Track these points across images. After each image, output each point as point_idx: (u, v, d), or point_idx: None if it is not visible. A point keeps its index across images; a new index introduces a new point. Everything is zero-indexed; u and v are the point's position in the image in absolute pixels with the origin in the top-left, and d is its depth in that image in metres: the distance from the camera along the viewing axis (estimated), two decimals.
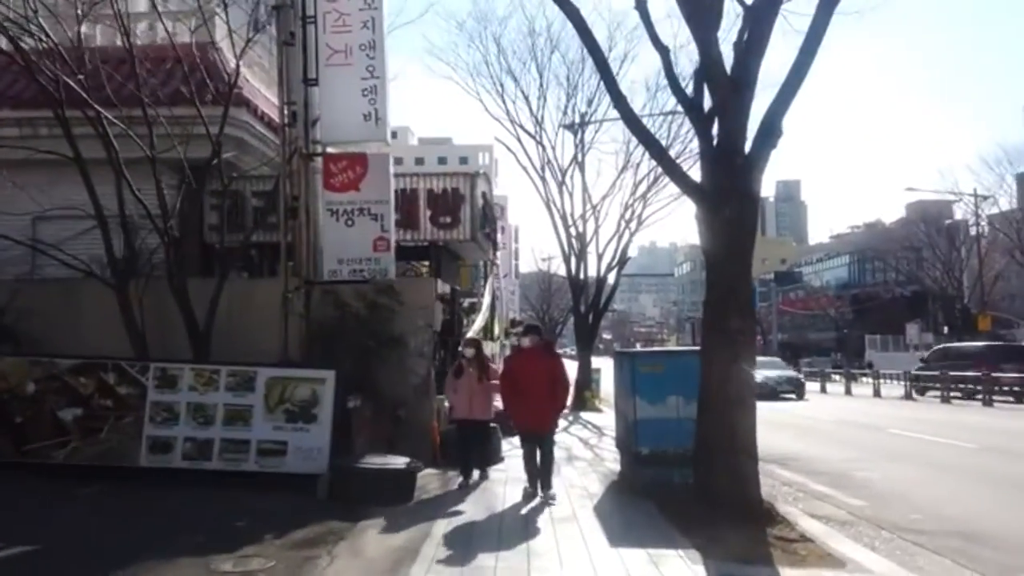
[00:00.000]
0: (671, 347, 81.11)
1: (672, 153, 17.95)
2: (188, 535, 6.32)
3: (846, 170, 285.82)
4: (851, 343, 50.30)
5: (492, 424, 9.65)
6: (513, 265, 61.41)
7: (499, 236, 22.40)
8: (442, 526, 6.73)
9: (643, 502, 7.69)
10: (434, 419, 10.18)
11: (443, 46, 72.28)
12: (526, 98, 23.16)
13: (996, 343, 30.77)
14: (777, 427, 14.95)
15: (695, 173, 7.99)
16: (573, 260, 23.92)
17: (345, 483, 7.57)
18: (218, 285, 9.83)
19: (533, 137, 23.32)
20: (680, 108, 18.57)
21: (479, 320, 15.94)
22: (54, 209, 10.63)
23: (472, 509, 7.54)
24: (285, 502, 7.37)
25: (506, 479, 8.98)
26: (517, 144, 23.48)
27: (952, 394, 24.53)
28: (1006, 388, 23.48)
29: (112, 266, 9.92)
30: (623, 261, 24.78)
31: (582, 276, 24.12)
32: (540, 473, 7.96)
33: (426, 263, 14.20)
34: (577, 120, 23.42)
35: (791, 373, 29.17)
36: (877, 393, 28.92)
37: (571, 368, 26.32)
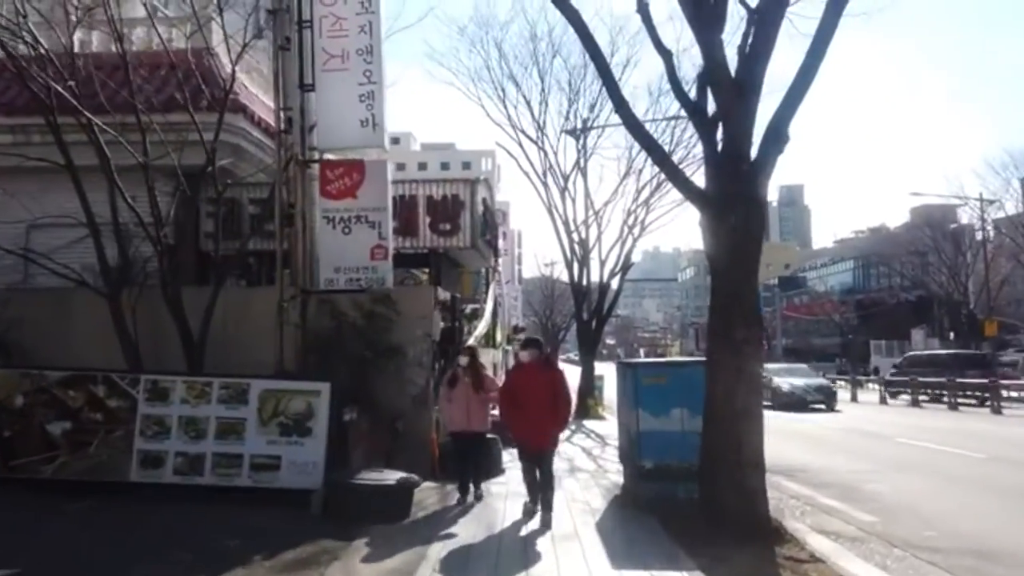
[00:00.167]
0: (675, 352, 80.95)
1: (675, 159, 17.73)
2: (178, 554, 6.12)
3: (850, 174, 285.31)
4: (856, 349, 49.91)
5: (491, 435, 9.43)
6: (516, 270, 61.19)
7: (501, 242, 22.21)
8: (438, 547, 6.49)
9: (647, 518, 7.47)
10: (433, 431, 9.97)
11: (444, 51, 72.39)
12: (528, 103, 23.02)
13: (962, 351, 33.31)
14: (783, 436, 14.69)
15: (698, 178, 7.81)
16: (575, 266, 23.72)
17: (340, 499, 7.36)
18: (213, 294, 9.65)
19: (535, 142, 23.18)
20: (683, 113, 18.43)
21: (480, 327, 15.74)
22: (46, 217, 10.46)
23: (471, 527, 7.30)
24: (278, 519, 7.16)
25: (506, 493, 8.76)
26: (519, 149, 23.34)
27: (920, 398, 26.90)
28: (968, 393, 25.34)
29: (105, 275, 9.74)
30: (626, 267, 24.57)
31: (585, 282, 23.92)
32: (539, 492, 7.67)
33: (426, 270, 14.02)
34: (579, 125, 23.24)
35: (821, 381, 27.66)
36: (883, 400, 28.65)
37: (574, 375, 26.12)
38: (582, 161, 23.32)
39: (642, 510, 7.78)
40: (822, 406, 24.96)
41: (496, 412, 8.59)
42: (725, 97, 7.10)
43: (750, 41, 7.16)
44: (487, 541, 6.80)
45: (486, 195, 13.51)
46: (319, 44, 9.69)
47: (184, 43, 10.96)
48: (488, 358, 16.05)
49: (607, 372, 24.57)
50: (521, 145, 23.24)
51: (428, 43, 73.99)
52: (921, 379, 27.25)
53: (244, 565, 5.85)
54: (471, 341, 13.41)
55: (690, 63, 22.96)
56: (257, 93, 12.71)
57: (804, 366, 30.83)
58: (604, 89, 17.69)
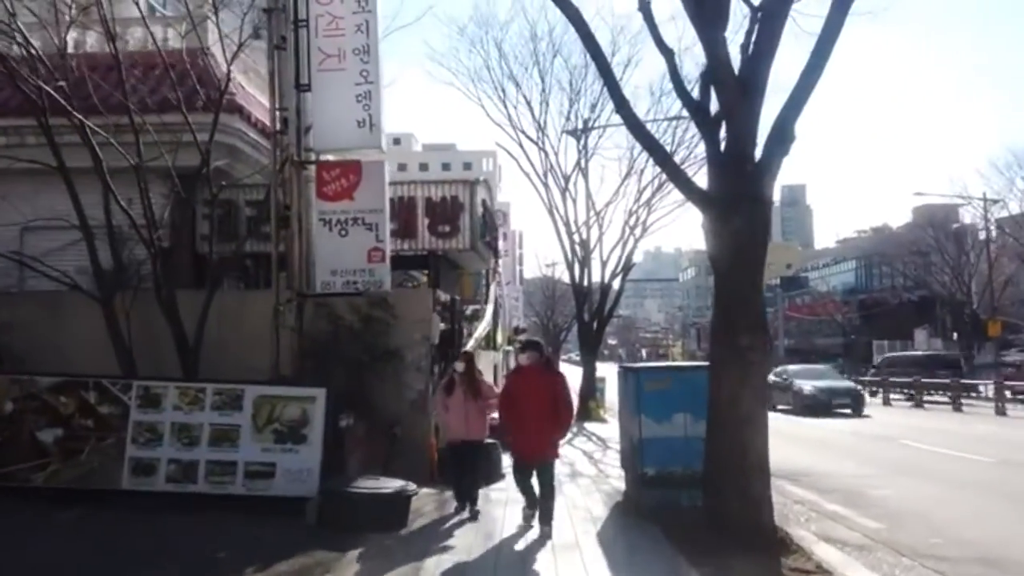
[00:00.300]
0: (677, 352, 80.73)
1: (677, 159, 17.54)
2: (168, 565, 5.99)
3: (852, 174, 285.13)
4: (859, 349, 49.71)
5: (491, 440, 9.25)
6: (517, 271, 61.01)
7: (501, 243, 22.08)
8: (435, 560, 6.29)
9: (649, 526, 7.30)
10: (432, 436, 9.81)
11: (444, 51, 72.07)
12: (528, 103, 22.86)
13: (936, 353, 35.23)
14: (787, 439, 14.53)
15: (700, 179, 7.65)
16: (576, 267, 23.58)
17: (335, 508, 7.19)
18: (207, 298, 9.50)
19: (535, 143, 23.03)
20: (685, 113, 18.27)
21: (481, 328, 15.60)
22: (38, 220, 10.32)
23: (469, 537, 7.12)
24: (272, 528, 7.01)
25: (506, 499, 8.59)
26: (519, 150, 23.19)
27: (893, 396, 28.68)
28: (938, 391, 27.03)
29: (98, 278, 9.59)
30: (628, 268, 24.42)
31: (586, 283, 23.77)
32: (540, 501, 7.35)
33: (426, 272, 13.87)
34: (580, 126, 23.09)
35: (847, 383, 26.01)
36: (887, 402, 28.50)
37: (575, 376, 25.96)
38: (583, 161, 23.19)
39: (644, 518, 7.62)
40: (848, 410, 23.46)
41: (495, 417, 8.37)
42: (728, 96, 6.94)
43: (754, 39, 7.01)
44: (486, 554, 6.61)
45: (486, 196, 13.38)
46: (315, 43, 9.54)
47: (180, 43, 10.82)
48: (488, 360, 15.94)
49: (609, 373, 24.43)
50: (522, 146, 23.12)
51: (428, 43, 73.64)
52: (892, 379, 29.08)
53: None
54: (471, 343, 13.29)
55: (692, 63, 22.83)
56: (254, 94, 12.57)
57: (827, 367, 29.10)
58: (605, 89, 17.56)
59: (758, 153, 6.87)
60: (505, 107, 22.75)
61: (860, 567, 6.28)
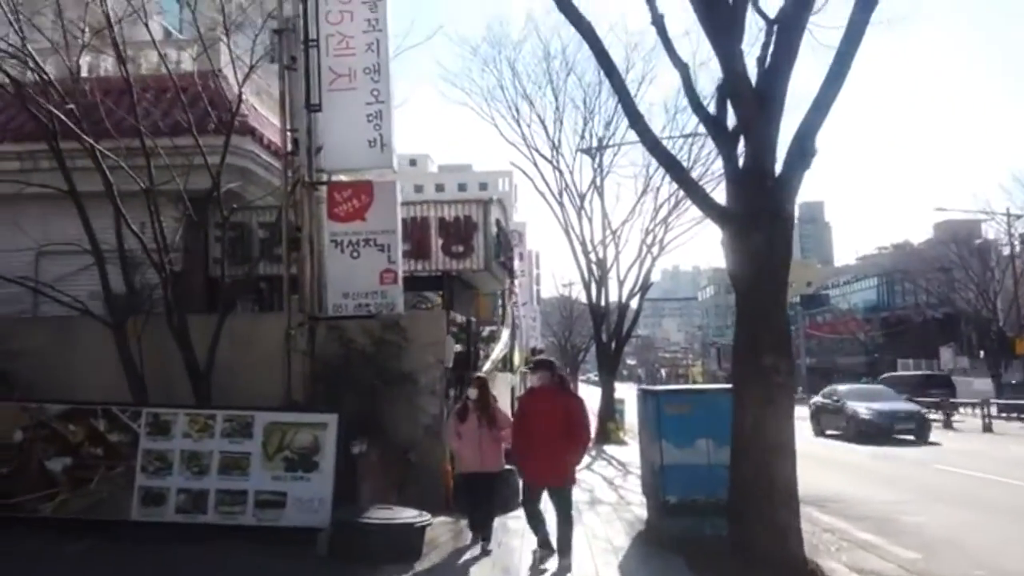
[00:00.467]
0: (696, 372, 79.87)
1: (692, 176, 17.32)
2: None
3: (871, 191, 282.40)
4: (883, 368, 48.78)
5: (508, 467, 8.94)
6: (534, 291, 60.72)
7: (516, 263, 21.89)
8: None
9: (672, 557, 7.02)
10: (447, 461, 9.57)
11: (457, 71, 72.11)
12: (542, 122, 22.75)
13: (932, 373, 36.55)
14: (811, 462, 14.10)
15: (717, 196, 7.42)
16: (593, 287, 23.33)
17: (347, 539, 6.96)
18: (219, 322, 9.38)
19: (550, 162, 22.89)
20: (701, 129, 18.04)
21: (497, 350, 15.36)
22: (51, 244, 10.29)
23: (485, 570, 6.86)
24: (282, 559, 6.82)
25: (523, 529, 8.24)
26: (534, 169, 23.06)
27: None
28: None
29: (109, 303, 9.50)
30: (645, 287, 24.12)
31: (603, 302, 23.50)
32: (557, 535, 6.90)
33: (440, 293, 13.69)
34: (595, 144, 22.94)
35: (910, 406, 22.80)
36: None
37: (594, 396, 25.47)
38: (598, 180, 23.01)
39: (667, 548, 7.32)
40: (910, 435, 20.66)
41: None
42: (746, 109, 6.73)
43: (771, 52, 6.81)
44: None
45: (500, 216, 13.19)
46: (326, 63, 9.47)
47: (193, 65, 10.82)
48: (505, 382, 15.68)
49: (628, 394, 24.02)
50: (536, 165, 22.99)
51: (440, 63, 74.21)
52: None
53: None
54: (488, 366, 13.05)
55: (706, 79, 22.58)
56: (267, 115, 12.54)
57: (885, 388, 25.69)
58: (619, 106, 17.41)
59: (777, 168, 6.66)
60: (519, 126, 22.67)
61: None
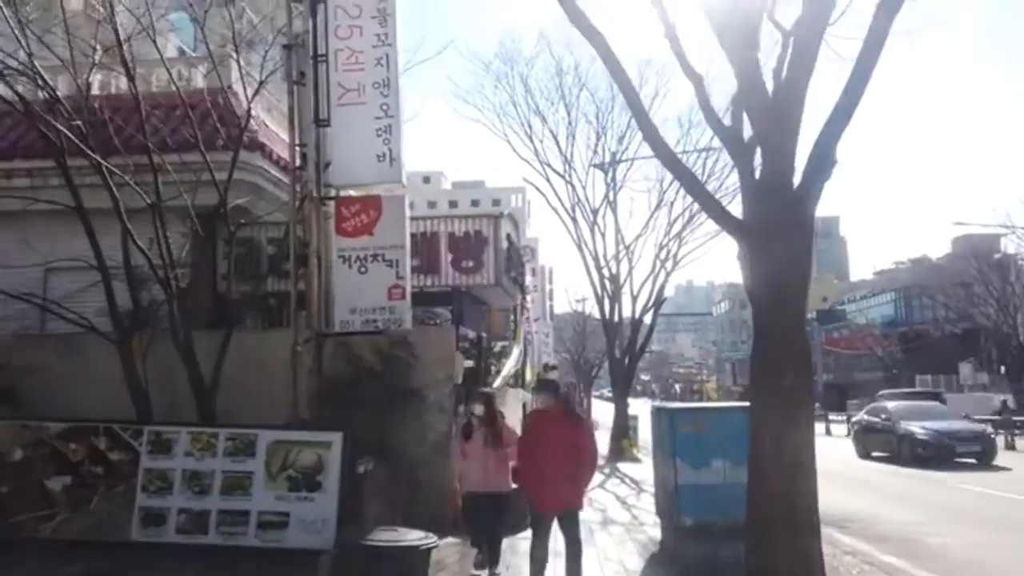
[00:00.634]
0: (711, 387, 79.13)
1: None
2: None
3: (887, 205, 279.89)
4: (901, 383, 48.10)
5: (516, 487, 8.69)
6: (547, 307, 60.50)
7: (528, 279, 21.72)
8: None
9: None
10: (455, 480, 9.35)
11: (469, 88, 72.35)
12: (555, 137, 22.72)
13: (924, 391, 34.69)
14: (826, 479, 13.74)
15: (732, 210, 7.22)
16: (606, 302, 23.13)
17: (351, 561, 6.75)
18: (225, 339, 9.26)
19: (562, 177, 22.82)
20: (715, 143, 17.87)
21: (508, 366, 15.16)
22: (58, 260, 10.24)
23: None
24: None
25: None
26: (547, 185, 22.97)
27: None
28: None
29: (114, 320, 9.41)
30: (659, 302, 23.89)
31: (616, 318, 23.28)
32: (566, 563, 6.48)
33: (450, 308, 13.53)
34: (608, 159, 22.82)
35: (974, 425, 20.62)
36: None
37: (607, 413, 25.08)
38: (611, 195, 22.91)
39: (682, 572, 7.07)
40: (973, 458, 18.56)
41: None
42: (762, 119, 6.54)
43: (787, 63, 6.63)
44: None
45: (511, 230, 13.04)
46: (335, 78, 9.34)
47: (202, 82, 10.80)
48: (516, 398, 15.45)
49: (642, 410, 23.69)
50: (549, 180, 22.93)
51: (452, 79, 74.35)
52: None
53: None
54: (498, 381, 12.85)
55: (720, 93, 22.40)
56: (277, 131, 12.50)
57: (935, 403, 23.42)
58: (632, 121, 17.27)
59: (795, 179, 6.46)
60: (532, 142, 22.65)
61: None
